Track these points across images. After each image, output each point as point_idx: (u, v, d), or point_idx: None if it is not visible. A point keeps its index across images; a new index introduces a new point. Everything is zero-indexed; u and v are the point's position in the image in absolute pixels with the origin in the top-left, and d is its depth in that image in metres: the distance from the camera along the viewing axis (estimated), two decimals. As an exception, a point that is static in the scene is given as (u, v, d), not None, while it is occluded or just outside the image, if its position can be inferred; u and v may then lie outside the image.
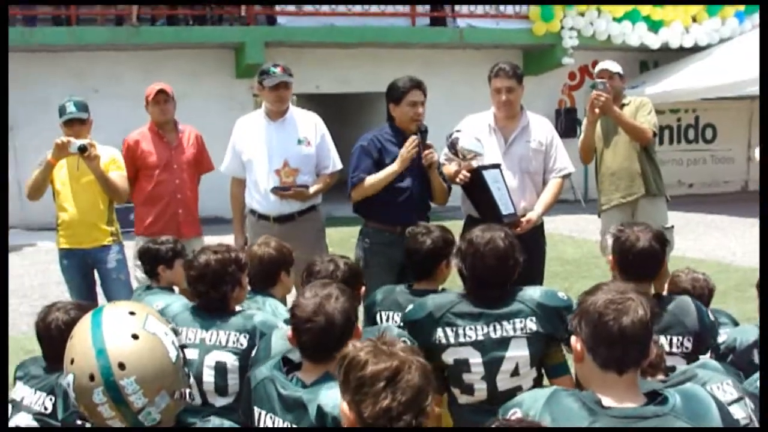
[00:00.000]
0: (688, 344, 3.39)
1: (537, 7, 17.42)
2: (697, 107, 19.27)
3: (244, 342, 3.45)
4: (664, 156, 16.98)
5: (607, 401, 2.21)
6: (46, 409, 3.20)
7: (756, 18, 18.95)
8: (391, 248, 4.99)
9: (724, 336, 3.55)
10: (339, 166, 5.71)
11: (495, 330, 3.32)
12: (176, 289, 4.72)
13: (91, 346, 2.15)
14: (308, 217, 5.59)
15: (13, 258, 10.48)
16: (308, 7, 16.13)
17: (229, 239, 5.35)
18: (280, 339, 3.14)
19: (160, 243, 4.66)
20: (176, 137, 5.98)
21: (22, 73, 13.65)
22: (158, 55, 15.40)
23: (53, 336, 3.21)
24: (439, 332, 3.36)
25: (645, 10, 17.80)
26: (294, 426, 2.58)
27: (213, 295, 3.55)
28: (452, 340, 3.35)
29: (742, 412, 2.84)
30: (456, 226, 4.52)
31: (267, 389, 2.70)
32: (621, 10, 17.61)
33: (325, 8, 16.23)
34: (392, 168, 5.10)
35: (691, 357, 3.40)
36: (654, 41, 17.95)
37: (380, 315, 3.92)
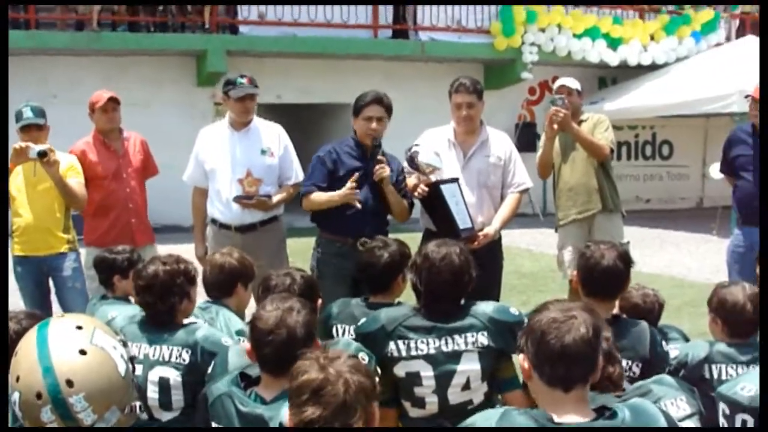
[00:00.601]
0: (636, 369, 3.42)
1: (498, 21, 17.58)
2: (654, 124, 19.55)
3: (186, 357, 3.40)
4: (621, 171, 17.22)
5: (557, 418, 2.23)
6: None
7: (711, 38, 19.32)
8: (342, 259, 5.05)
9: (675, 351, 3.60)
10: (301, 177, 5.71)
11: (447, 344, 3.33)
12: (132, 299, 4.67)
13: (37, 363, 2.09)
14: (270, 227, 5.60)
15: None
16: (271, 17, 16.11)
17: (184, 248, 5.33)
18: (236, 355, 3.11)
19: (116, 252, 4.60)
20: (122, 145, 5.92)
21: (-21, 77, 13.45)
22: (119, 62, 15.28)
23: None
24: (392, 345, 3.37)
25: (605, 27, 18.06)
26: None
27: (160, 306, 3.50)
28: (404, 353, 3.36)
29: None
30: (414, 239, 4.53)
31: (225, 405, 2.67)
32: (581, 26, 17.83)
33: (287, 18, 16.22)
34: (333, 197, 5.13)
35: (635, 382, 3.42)
36: (613, 58, 18.19)
37: (336, 328, 3.92)
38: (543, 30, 17.72)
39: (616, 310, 3.82)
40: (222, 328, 3.72)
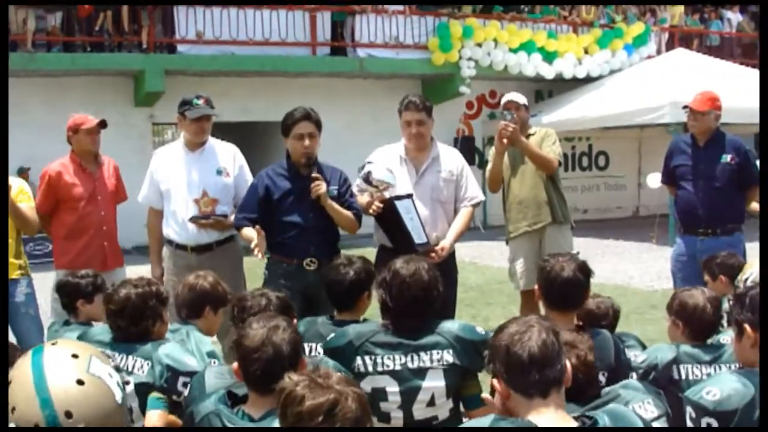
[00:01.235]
0: (602, 378, 3.50)
1: (436, 37, 17.78)
2: (590, 136, 19.94)
3: (145, 368, 3.43)
4: (559, 183, 17.47)
5: (542, 425, 2.29)
6: None
7: (643, 51, 19.83)
8: (288, 279, 4.98)
9: (643, 356, 3.69)
10: None
11: (413, 360, 3.37)
12: (96, 324, 4.60)
13: (34, 394, 2.04)
14: (226, 247, 5.57)
15: None
16: (209, 36, 16.08)
17: (136, 270, 5.27)
18: (214, 377, 3.11)
19: (80, 276, 4.51)
20: (98, 168, 5.86)
21: None
22: (56, 82, 15.12)
23: None
24: (358, 360, 3.40)
25: (540, 41, 18.40)
26: None
27: (133, 330, 3.50)
28: (371, 369, 3.39)
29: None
30: (365, 254, 4.54)
31: (212, 423, 2.68)
32: (517, 41, 18.14)
33: (225, 36, 16.21)
34: (250, 238, 5.00)
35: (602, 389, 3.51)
36: (549, 72, 18.54)
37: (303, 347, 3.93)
38: (480, 45, 17.99)
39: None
40: (193, 349, 3.70)
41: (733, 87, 14.03)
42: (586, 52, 19.13)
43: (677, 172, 6.40)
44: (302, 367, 2.67)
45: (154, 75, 15.22)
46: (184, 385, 3.33)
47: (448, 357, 3.36)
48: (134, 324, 3.49)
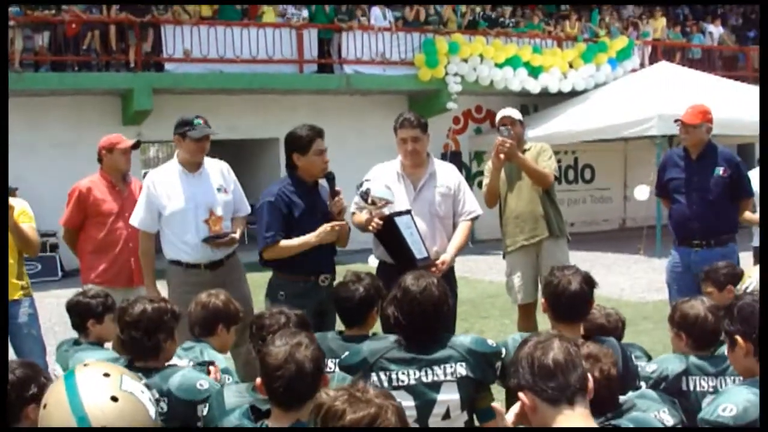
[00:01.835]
0: None
1: (422, 53, 17.88)
2: (576, 149, 20.04)
3: (162, 406, 3.37)
4: (547, 196, 17.54)
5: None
6: None
7: (626, 64, 20.01)
8: (304, 298, 4.93)
9: (654, 366, 3.74)
10: (249, 209, 5.83)
11: (427, 375, 3.41)
12: (108, 344, 4.62)
13: (70, 413, 2.08)
14: (233, 260, 5.68)
15: None
16: (196, 54, 16.11)
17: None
18: (233, 396, 3.14)
19: (90, 296, 4.50)
20: (126, 186, 6.08)
21: None
22: (43, 102, 15.10)
23: None
24: (374, 377, 3.43)
25: (525, 56, 18.52)
26: None
27: (146, 343, 3.50)
28: (386, 385, 3.42)
29: None
30: (356, 270, 4.56)
31: None
32: (502, 56, 18.25)
33: (213, 55, 16.25)
34: (309, 240, 5.05)
35: None
36: (534, 86, 18.67)
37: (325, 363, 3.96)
38: (466, 60, 18.09)
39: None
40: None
41: (715, 99, 14.14)
42: (570, 66, 19.29)
43: (671, 185, 6.47)
44: (325, 383, 2.71)
45: (142, 93, 15.22)
46: (203, 409, 3.33)
47: (462, 370, 3.41)
48: (148, 337, 3.50)
